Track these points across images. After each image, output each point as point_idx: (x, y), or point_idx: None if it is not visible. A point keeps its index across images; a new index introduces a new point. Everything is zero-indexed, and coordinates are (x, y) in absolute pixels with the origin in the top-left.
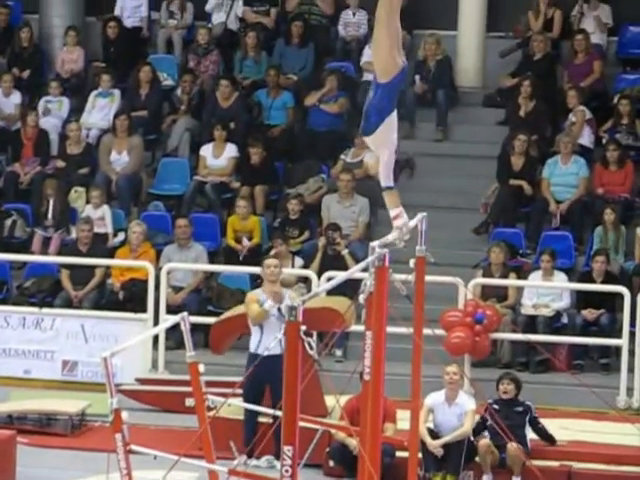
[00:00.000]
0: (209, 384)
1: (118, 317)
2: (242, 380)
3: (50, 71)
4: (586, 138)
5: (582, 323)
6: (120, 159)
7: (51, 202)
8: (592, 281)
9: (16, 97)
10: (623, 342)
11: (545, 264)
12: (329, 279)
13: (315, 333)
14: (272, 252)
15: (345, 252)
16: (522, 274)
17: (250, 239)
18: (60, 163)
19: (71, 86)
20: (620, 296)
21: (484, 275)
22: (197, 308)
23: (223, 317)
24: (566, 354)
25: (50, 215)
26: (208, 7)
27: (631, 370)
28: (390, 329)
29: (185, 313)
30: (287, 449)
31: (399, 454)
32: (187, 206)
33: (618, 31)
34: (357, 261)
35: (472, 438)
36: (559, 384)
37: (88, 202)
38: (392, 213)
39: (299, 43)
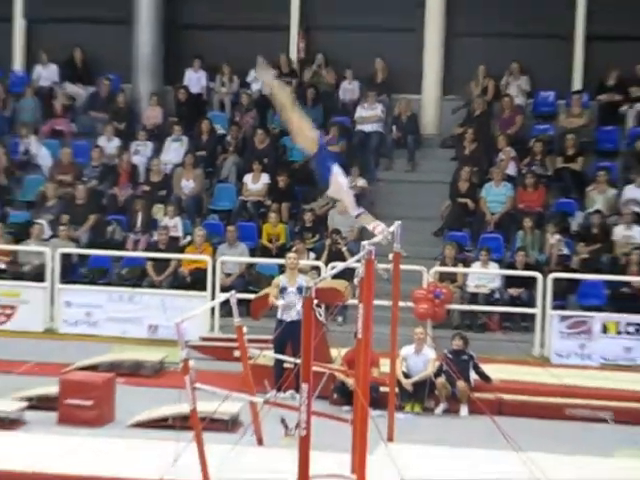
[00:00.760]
0: (250, 341)
1: (186, 294)
2: (272, 338)
3: (139, 124)
4: (511, 169)
5: (509, 298)
6: (188, 185)
7: (139, 215)
8: (515, 269)
9: (115, 142)
10: (537, 311)
11: (483, 257)
12: (333, 268)
13: (323, 305)
14: (293, 249)
15: (344, 249)
16: (467, 264)
17: (278, 240)
18: (146, 187)
19: (153, 134)
20: (535, 279)
21: (441, 265)
22: (241, 288)
23: (259, 294)
24: (498, 319)
25: (139, 224)
26: (249, 79)
27: (542, 330)
28: (376, 302)
29: (233, 291)
30: (304, 386)
31: (382, 389)
32: (234, 217)
33: (533, 95)
34: (353, 255)
35: (433, 378)
36: (493, 340)
37: (166, 214)
38: (370, 227)
39: (312, 104)
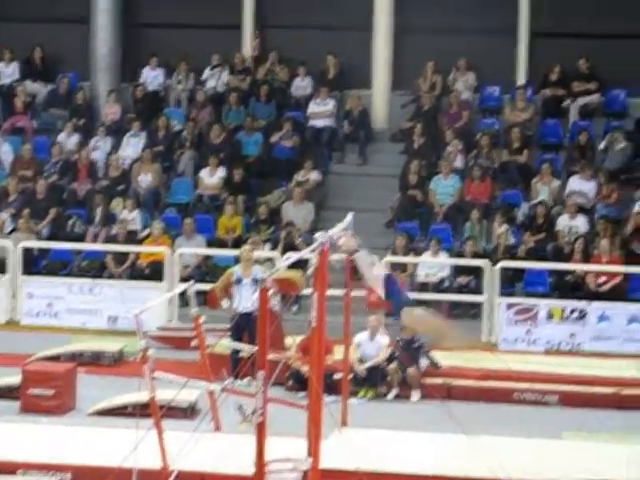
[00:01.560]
0: (207, 330)
1: (145, 286)
2: (229, 327)
3: (97, 120)
4: (459, 162)
5: (458, 286)
6: (146, 179)
7: (99, 209)
8: (464, 258)
9: (75, 138)
10: (485, 299)
11: (433, 247)
12: (288, 258)
13: (279, 295)
14: (249, 241)
15: (299, 240)
16: (417, 254)
17: (234, 232)
18: (105, 182)
19: (112, 130)
20: (482, 268)
21: (392, 255)
22: (199, 279)
23: (216, 285)
24: (447, 307)
25: (98, 218)
26: (204, 76)
27: (490, 318)
28: (329, 292)
29: (191, 281)
30: (260, 373)
31: (336, 376)
32: (191, 210)
33: (480, 90)
34: (306, 246)
35: (385, 364)
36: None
37: (124, 208)
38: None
39: (266, 100)
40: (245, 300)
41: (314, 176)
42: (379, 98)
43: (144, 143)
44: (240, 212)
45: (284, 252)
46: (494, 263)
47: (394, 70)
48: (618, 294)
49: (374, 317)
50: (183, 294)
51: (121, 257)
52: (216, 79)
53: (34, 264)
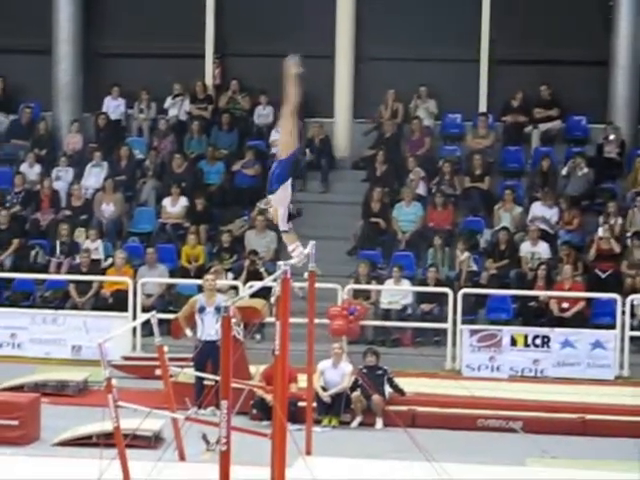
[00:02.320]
0: (171, 359)
1: (108, 315)
2: (192, 356)
3: (59, 150)
4: (421, 189)
5: (421, 313)
6: (108, 209)
7: (62, 239)
8: (427, 285)
9: (37, 168)
10: (448, 326)
11: (395, 274)
12: (251, 287)
13: (242, 323)
14: (212, 270)
15: (262, 269)
16: (380, 281)
17: (197, 261)
18: (67, 212)
19: (74, 160)
20: (446, 295)
21: (355, 282)
22: (162, 308)
23: (179, 314)
24: (410, 334)
25: (60, 248)
26: (166, 105)
27: (454, 344)
28: (292, 320)
29: (154, 312)
30: (224, 402)
31: (300, 404)
32: (154, 240)
33: (441, 117)
34: (269, 275)
35: (349, 392)
36: (406, 354)
37: (87, 238)
38: (290, 248)
39: (228, 129)
40: (208, 329)
41: (272, 209)
42: (341, 126)
43: (106, 173)
44: (203, 241)
45: (247, 281)
46: (457, 290)
47: (355, 98)
48: (581, 320)
49: (337, 345)
50: (146, 323)
51: (84, 287)
52: (178, 108)
53: None
